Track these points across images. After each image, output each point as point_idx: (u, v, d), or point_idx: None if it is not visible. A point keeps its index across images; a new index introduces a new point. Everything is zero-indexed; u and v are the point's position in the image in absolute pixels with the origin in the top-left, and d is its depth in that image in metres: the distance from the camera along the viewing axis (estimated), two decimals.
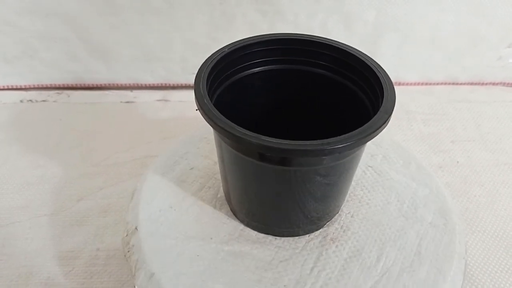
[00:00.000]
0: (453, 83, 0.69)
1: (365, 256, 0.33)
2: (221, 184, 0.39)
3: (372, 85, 0.32)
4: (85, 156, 0.54)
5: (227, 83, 0.35)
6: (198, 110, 0.29)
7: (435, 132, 0.59)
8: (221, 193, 0.38)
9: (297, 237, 0.35)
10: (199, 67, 0.31)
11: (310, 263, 0.33)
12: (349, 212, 0.37)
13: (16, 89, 0.66)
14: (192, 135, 0.45)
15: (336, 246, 0.34)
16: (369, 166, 0.41)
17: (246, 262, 0.33)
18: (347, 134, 0.26)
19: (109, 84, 0.67)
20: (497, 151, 0.55)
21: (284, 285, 0.31)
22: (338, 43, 0.35)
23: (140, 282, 0.32)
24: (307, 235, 0.35)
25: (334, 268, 0.32)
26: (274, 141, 0.25)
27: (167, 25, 0.60)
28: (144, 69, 0.65)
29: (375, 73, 0.31)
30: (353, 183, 0.39)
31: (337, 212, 0.37)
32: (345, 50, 0.34)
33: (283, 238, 0.35)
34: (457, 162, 0.54)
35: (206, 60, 0.32)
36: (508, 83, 0.69)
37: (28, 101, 0.64)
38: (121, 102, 0.64)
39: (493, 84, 0.69)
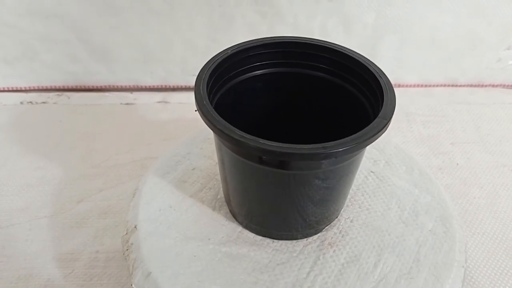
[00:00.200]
0: (452, 85, 0.69)
1: (363, 262, 0.33)
2: (221, 186, 0.39)
3: (372, 88, 0.32)
4: (85, 157, 0.54)
5: (228, 86, 0.35)
6: (197, 111, 0.29)
7: (435, 134, 0.59)
8: (221, 195, 0.39)
9: (295, 241, 0.35)
10: (199, 68, 0.31)
11: (307, 267, 0.33)
12: (348, 217, 0.37)
13: (16, 90, 0.66)
14: (195, 136, 0.45)
15: (334, 251, 0.34)
16: (371, 171, 0.41)
17: (243, 264, 0.33)
18: (345, 138, 0.26)
19: (109, 86, 0.67)
20: (497, 153, 0.55)
21: None
22: (338, 46, 0.35)
23: (137, 280, 0.32)
24: (305, 239, 0.35)
25: (331, 273, 0.32)
26: (272, 144, 0.25)
27: (167, 27, 0.60)
28: (144, 70, 0.65)
29: (374, 75, 0.31)
30: (354, 188, 0.39)
31: (336, 217, 0.37)
32: (345, 53, 0.34)
33: (281, 241, 0.35)
34: (457, 164, 0.54)
35: (207, 62, 0.32)
36: (507, 85, 0.69)
37: (28, 102, 0.64)
38: (121, 103, 0.64)
39: (493, 86, 0.69)
